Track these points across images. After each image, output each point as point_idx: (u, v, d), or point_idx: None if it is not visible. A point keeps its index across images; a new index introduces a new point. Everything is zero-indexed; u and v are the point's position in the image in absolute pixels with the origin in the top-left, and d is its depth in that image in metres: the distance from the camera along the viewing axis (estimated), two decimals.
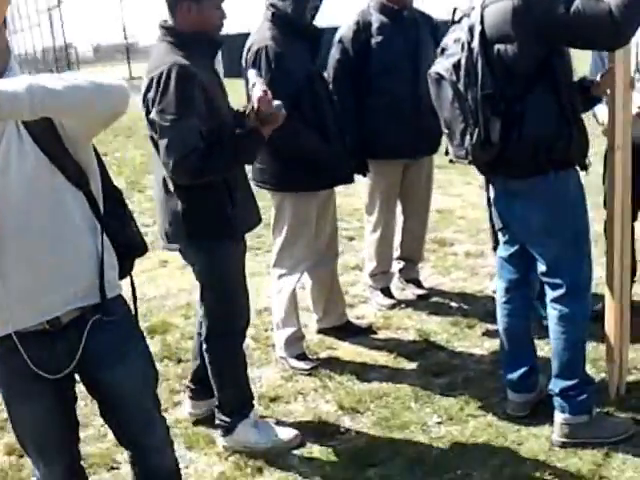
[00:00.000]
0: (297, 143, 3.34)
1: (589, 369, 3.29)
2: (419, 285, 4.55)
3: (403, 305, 4.37)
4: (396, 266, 4.59)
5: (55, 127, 1.83)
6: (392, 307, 4.35)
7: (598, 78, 2.85)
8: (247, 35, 3.54)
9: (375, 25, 3.93)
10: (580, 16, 2.44)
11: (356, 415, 3.27)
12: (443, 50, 2.81)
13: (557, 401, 2.86)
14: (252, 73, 2.89)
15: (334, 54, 3.99)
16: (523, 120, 2.63)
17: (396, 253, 4.56)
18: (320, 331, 4.08)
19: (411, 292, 4.54)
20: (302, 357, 3.71)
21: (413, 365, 3.67)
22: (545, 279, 2.84)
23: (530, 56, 2.59)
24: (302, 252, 3.65)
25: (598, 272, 3.09)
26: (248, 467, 2.91)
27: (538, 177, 2.70)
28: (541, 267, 2.83)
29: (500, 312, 3.07)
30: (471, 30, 2.66)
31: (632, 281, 3.93)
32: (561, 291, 2.78)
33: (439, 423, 3.13)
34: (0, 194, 1.80)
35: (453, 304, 4.39)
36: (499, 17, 2.58)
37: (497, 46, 2.61)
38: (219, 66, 4.13)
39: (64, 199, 1.88)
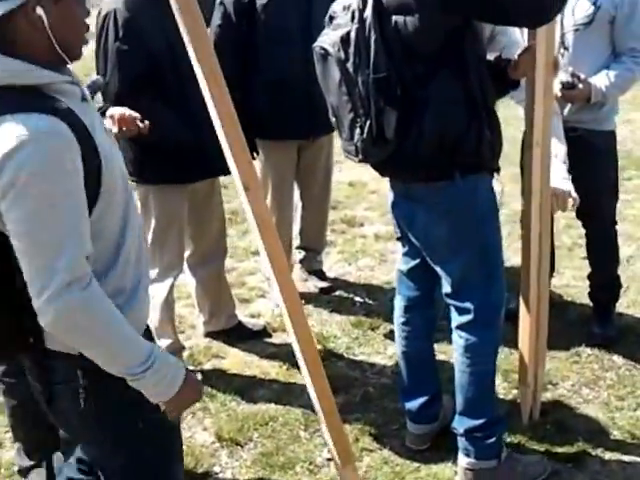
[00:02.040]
0: (155, 129, 2.63)
1: (500, 383, 2.85)
2: (322, 277, 4.00)
3: (303, 301, 3.82)
4: (297, 256, 4.05)
5: None
6: None
7: (516, 57, 2.30)
8: None
9: None
10: None
11: (236, 448, 2.73)
12: (332, 18, 2.19)
13: (461, 442, 2.38)
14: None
15: (215, 19, 3.31)
16: (424, 111, 2.07)
17: (297, 242, 4.01)
18: (208, 334, 3.51)
19: (313, 285, 3.99)
20: None
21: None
22: (449, 301, 2.33)
23: (433, 31, 2.02)
24: (173, 255, 3.06)
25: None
26: None
27: (442, 181, 2.16)
28: (445, 287, 2.31)
29: (398, 334, 2.55)
30: None
31: (551, 276, 3.50)
32: (468, 317, 2.28)
33: (329, 459, 2.62)
34: None
35: (358, 299, 3.86)
36: None
37: (395, 17, 2.03)
38: None
39: None
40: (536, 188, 2.34)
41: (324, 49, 2.13)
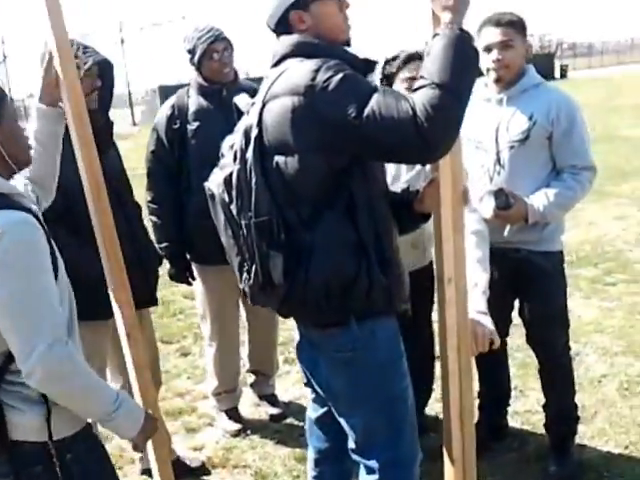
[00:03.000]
0: (72, 267, 2.47)
1: None
2: (274, 402, 3.71)
3: (249, 431, 3.53)
4: (248, 380, 3.78)
5: None
6: (237, 433, 3.50)
7: (420, 188, 2.10)
8: None
9: (192, 109, 3.17)
10: (376, 122, 1.69)
11: None
12: (222, 156, 2.04)
13: None
14: None
15: (149, 145, 3.23)
16: (310, 256, 1.86)
17: (248, 365, 3.76)
18: (144, 471, 3.21)
19: (265, 411, 3.71)
20: None
21: None
22: (355, 458, 2.05)
23: (317, 172, 1.82)
24: None
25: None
26: None
27: (336, 328, 1.92)
28: (350, 442, 2.03)
29: None
30: (247, 133, 1.90)
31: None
32: (373, 477, 1.99)
33: None
34: None
35: None
36: (279, 118, 1.82)
37: (276, 158, 1.84)
38: None
39: None
40: (452, 327, 2.08)
41: (210, 190, 1.98)
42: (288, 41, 1.91)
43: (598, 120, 14.53)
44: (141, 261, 2.76)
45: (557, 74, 38.77)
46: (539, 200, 2.67)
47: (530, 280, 2.79)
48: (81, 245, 2.61)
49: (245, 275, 1.94)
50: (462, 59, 1.72)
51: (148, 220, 3.31)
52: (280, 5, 1.92)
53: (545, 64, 36.79)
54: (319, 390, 2.08)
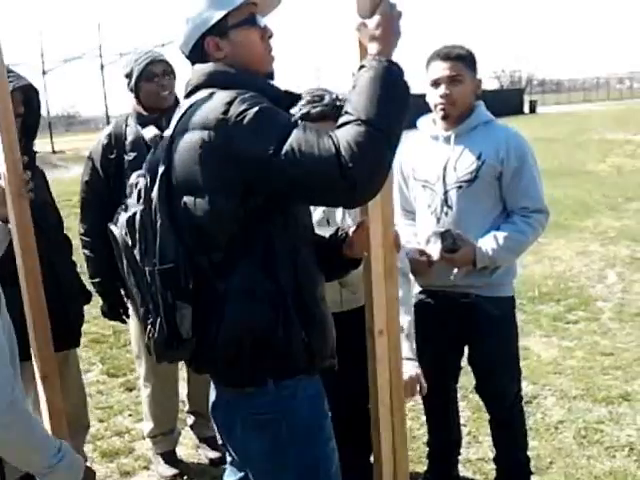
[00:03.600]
0: None
1: None
2: (214, 445, 3.47)
3: (186, 477, 3.30)
4: (188, 421, 3.56)
5: None
6: (174, 479, 3.27)
7: (350, 232, 1.93)
8: None
9: (129, 138, 2.97)
10: (296, 161, 1.50)
11: None
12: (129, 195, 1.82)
13: None
14: None
15: (83, 174, 3.04)
16: (223, 308, 1.66)
17: (187, 405, 3.53)
18: None
19: (204, 454, 3.48)
20: None
21: None
22: None
23: (230, 215, 1.62)
24: None
25: None
26: None
27: (252, 387, 1.72)
28: None
29: None
30: (153, 171, 1.70)
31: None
32: None
33: None
34: None
35: None
36: (187, 155, 1.62)
37: (185, 198, 1.65)
38: None
39: None
40: (383, 384, 1.90)
41: (112, 232, 1.76)
42: (201, 70, 1.73)
43: (564, 155, 14.66)
44: (63, 300, 2.55)
45: (526, 109, 39.24)
46: (488, 243, 2.52)
47: (478, 327, 2.62)
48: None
49: (149, 327, 1.71)
50: (390, 93, 1.55)
51: (82, 253, 3.11)
52: (195, 30, 1.73)
53: (515, 99, 37.38)
54: (234, 455, 1.88)
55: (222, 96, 1.59)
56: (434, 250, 2.53)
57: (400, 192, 2.77)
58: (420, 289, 2.76)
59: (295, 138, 1.51)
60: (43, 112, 2.85)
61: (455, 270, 2.57)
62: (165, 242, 1.64)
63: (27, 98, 2.52)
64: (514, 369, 2.70)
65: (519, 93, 41.68)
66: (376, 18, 1.66)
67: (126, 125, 3.00)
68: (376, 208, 1.81)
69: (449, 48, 2.54)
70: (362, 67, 1.60)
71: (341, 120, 1.55)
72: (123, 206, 1.77)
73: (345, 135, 1.50)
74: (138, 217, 1.68)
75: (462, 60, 2.52)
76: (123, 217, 1.73)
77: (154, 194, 1.66)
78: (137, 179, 1.76)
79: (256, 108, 1.55)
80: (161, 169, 1.66)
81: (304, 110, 2.31)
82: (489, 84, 60.64)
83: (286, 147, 1.51)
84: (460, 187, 2.55)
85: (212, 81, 1.69)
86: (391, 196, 1.86)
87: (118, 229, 1.74)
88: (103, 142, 3.00)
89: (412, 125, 2.73)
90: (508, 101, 34.66)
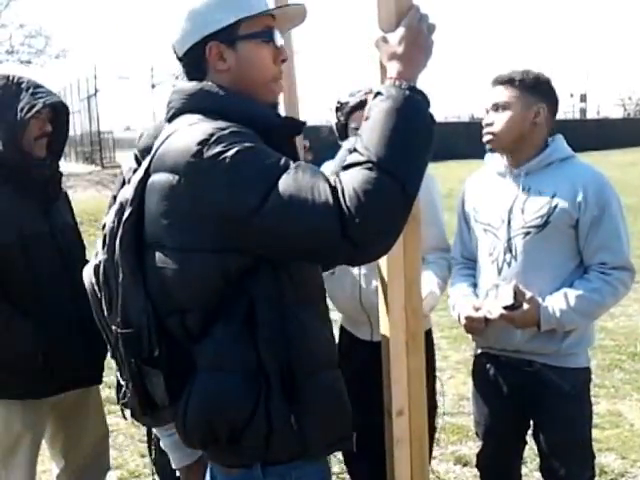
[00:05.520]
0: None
1: None
2: None
3: None
4: None
5: None
6: None
7: None
8: None
9: None
10: (285, 217, 1.22)
11: None
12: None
13: None
14: None
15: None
16: (193, 379, 1.37)
17: None
18: None
19: None
20: None
21: None
22: None
23: (205, 275, 1.33)
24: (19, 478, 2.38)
25: None
26: None
27: (241, 469, 1.40)
28: None
29: None
30: (120, 212, 1.43)
31: None
32: None
33: None
34: None
35: None
36: (158, 200, 1.35)
37: (157, 253, 1.36)
38: None
39: None
40: (402, 471, 1.53)
41: (84, 279, 1.55)
42: (183, 90, 1.44)
43: None
44: (89, 334, 2.34)
45: None
46: (556, 303, 2.09)
47: (544, 401, 2.19)
48: (10, 316, 2.24)
49: (122, 393, 1.48)
50: (410, 130, 1.24)
51: None
52: (198, 29, 1.43)
53: None
54: None
55: (197, 132, 1.30)
56: (493, 305, 2.13)
57: (460, 236, 2.40)
58: (480, 350, 2.36)
59: (284, 187, 1.22)
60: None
61: (519, 332, 2.16)
62: (128, 301, 1.38)
63: (55, 115, 2.34)
64: (585, 453, 2.24)
65: None
66: (400, 31, 1.35)
67: None
68: (396, 262, 1.46)
69: (514, 71, 2.15)
70: (378, 94, 1.29)
71: (349, 160, 1.25)
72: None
73: (351, 180, 1.21)
74: (102, 267, 1.44)
75: (514, 84, 2.13)
76: (91, 263, 1.50)
77: (117, 242, 1.39)
78: (107, 219, 1.50)
79: (234, 149, 1.26)
80: (127, 211, 1.39)
81: (343, 100, 2.27)
82: (614, 112, 57.79)
83: (271, 200, 1.22)
84: (527, 233, 2.14)
85: (196, 104, 1.41)
86: (417, 246, 1.50)
87: (87, 276, 1.50)
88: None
89: (481, 157, 2.36)
90: (634, 130, 32.68)
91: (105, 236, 1.44)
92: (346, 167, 1.25)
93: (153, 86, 24.15)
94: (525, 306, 2.08)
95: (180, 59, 1.48)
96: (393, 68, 1.32)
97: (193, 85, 1.43)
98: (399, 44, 1.32)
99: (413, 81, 1.30)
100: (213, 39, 1.42)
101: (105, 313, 1.44)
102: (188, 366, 1.37)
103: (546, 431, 2.23)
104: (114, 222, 1.42)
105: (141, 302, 1.37)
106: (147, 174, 1.39)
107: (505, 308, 2.10)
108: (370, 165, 1.21)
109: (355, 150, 1.25)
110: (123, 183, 1.70)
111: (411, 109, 1.25)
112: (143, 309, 1.36)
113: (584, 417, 2.22)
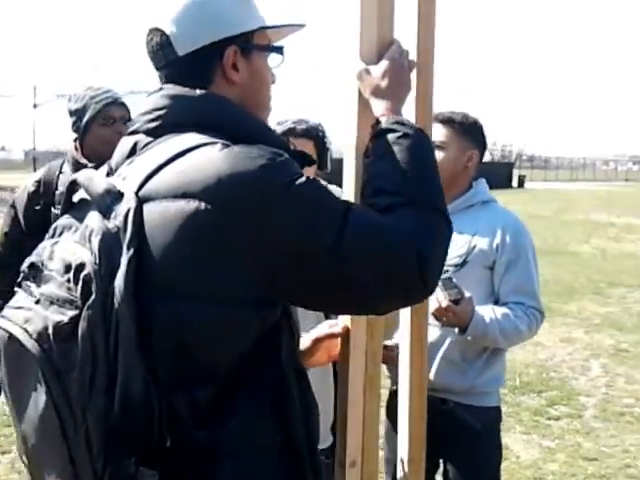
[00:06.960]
0: None
1: None
2: None
3: None
4: None
5: None
6: None
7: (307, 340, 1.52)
8: None
9: (61, 189, 2.41)
10: (362, 260, 1.08)
11: None
12: (35, 272, 1.22)
13: None
14: None
15: (3, 225, 2.57)
16: (212, 470, 1.13)
17: None
18: None
19: None
20: None
21: None
22: None
23: (237, 332, 1.10)
24: None
25: None
26: None
27: None
28: None
29: None
30: (107, 248, 1.09)
31: None
32: None
33: None
34: None
35: None
36: (175, 234, 1.07)
37: (165, 302, 1.07)
38: None
39: None
40: None
41: (8, 333, 1.11)
42: (195, 98, 1.18)
43: (550, 233, 14.39)
44: None
45: (515, 183, 39.47)
46: (486, 312, 2.14)
47: (455, 440, 2.21)
48: None
49: None
50: (432, 163, 1.23)
51: None
52: (219, 27, 1.20)
53: (505, 172, 37.62)
54: None
55: (247, 155, 1.08)
56: (439, 296, 2.10)
57: None
58: (395, 387, 2.35)
59: (355, 226, 1.08)
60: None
61: (433, 368, 2.16)
62: (130, 371, 1.05)
63: None
64: None
65: (509, 167, 41.98)
66: (383, 64, 1.30)
67: (60, 172, 2.50)
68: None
69: (446, 113, 2.19)
70: (390, 131, 1.21)
71: (382, 203, 1.14)
72: (24, 289, 1.18)
73: (406, 222, 1.12)
74: (83, 326, 1.05)
75: (453, 125, 2.17)
76: (42, 322, 1.08)
77: (118, 290, 1.04)
78: (66, 254, 1.11)
79: (304, 178, 1.09)
80: (129, 252, 1.05)
81: (288, 126, 2.03)
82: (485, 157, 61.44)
83: (348, 238, 1.07)
84: (446, 271, 2.16)
85: (205, 115, 1.17)
86: None
87: (22, 334, 1.09)
88: (30, 189, 2.49)
89: None
90: (498, 174, 34.83)
91: (85, 281, 1.06)
92: (384, 210, 1.12)
93: (35, 106, 23.00)
94: (463, 302, 2.09)
95: (176, 59, 1.21)
96: (381, 103, 1.26)
97: (208, 94, 1.19)
98: (382, 78, 1.28)
99: (401, 115, 1.27)
100: (233, 42, 1.21)
101: (70, 388, 1.06)
102: (188, 460, 1.11)
103: (455, 470, 2.25)
104: (96, 261, 1.06)
105: (144, 374, 1.05)
106: (139, 202, 1.09)
107: (451, 301, 2.08)
108: (415, 204, 1.13)
109: (384, 191, 1.15)
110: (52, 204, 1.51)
111: (428, 143, 1.24)
112: (150, 383, 1.06)
113: (495, 456, 2.26)
